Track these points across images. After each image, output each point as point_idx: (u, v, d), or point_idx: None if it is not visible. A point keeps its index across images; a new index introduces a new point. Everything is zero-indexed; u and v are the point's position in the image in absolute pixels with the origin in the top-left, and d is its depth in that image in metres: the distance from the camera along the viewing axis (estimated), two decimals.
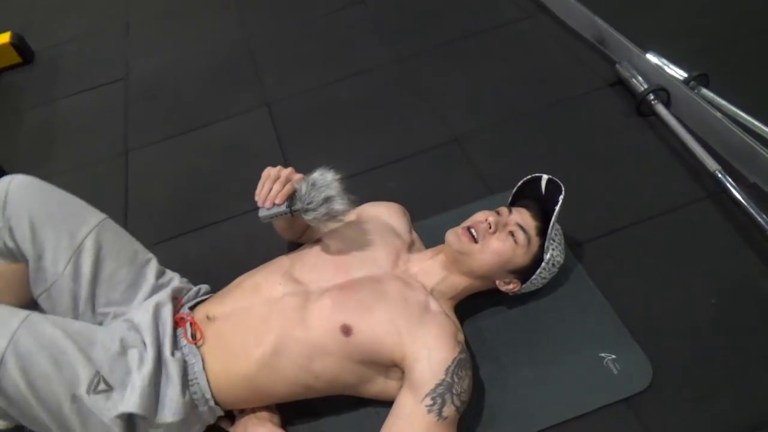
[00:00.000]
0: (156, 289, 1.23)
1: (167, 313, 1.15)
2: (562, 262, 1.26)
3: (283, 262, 1.26)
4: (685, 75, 1.71)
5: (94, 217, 1.19)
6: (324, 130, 1.91)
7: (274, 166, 1.18)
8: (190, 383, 1.10)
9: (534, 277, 1.22)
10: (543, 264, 1.20)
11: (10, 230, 1.11)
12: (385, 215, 1.35)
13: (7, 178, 1.13)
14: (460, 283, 1.22)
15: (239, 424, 1.18)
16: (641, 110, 1.73)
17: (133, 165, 1.93)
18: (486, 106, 1.87)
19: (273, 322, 1.12)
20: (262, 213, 1.17)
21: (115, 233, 1.21)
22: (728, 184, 1.43)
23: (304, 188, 1.14)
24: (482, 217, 1.19)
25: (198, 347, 1.13)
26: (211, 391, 1.11)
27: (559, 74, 1.94)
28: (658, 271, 1.37)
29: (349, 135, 1.88)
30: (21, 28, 2.56)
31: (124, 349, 1.07)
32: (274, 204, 1.14)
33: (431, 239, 1.35)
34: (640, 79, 1.76)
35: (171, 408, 1.05)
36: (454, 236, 1.19)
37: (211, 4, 2.65)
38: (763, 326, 1.24)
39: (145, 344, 1.09)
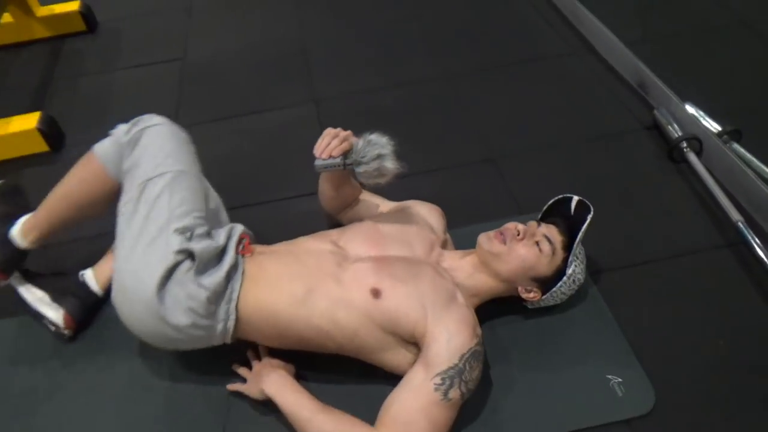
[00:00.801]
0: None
1: (238, 229, 1.30)
2: (582, 281, 1.33)
3: (327, 232, 1.38)
4: (719, 128, 1.77)
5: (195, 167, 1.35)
6: (367, 132, 1.98)
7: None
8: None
9: (554, 289, 1.29)
10: (564, 278, 1.28)
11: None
12: (425, 212, 1.44)
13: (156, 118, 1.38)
14: (485, 283, 1.30)
15: (256, 367, 1.28)
16: (673, 156, 1.79)
17: None
18: (524, 132, 1.95)
19: (310, 268, 1.23)
20: (317, 163, 1.27)
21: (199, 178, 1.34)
22: (749, 236, 1.49)
23: (360, 143, 1.26)
24: (512, 225, 1.30)
25: (243, 258, 1.25)
26: (237, 299, 1.20)
27: (598, 111, 2.01)
28: (672, 306, 1.42)
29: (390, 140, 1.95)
30: None
31: (212, 236, 1.25)
32: (330, 156, 1.25)
33: (459, 247, 1.43)
34: (675, 126, 1.82)
35: (212, 279, 1.17)
36: (485, 238, 1.29)
37: None
38: (767, 369, 1.30)
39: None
